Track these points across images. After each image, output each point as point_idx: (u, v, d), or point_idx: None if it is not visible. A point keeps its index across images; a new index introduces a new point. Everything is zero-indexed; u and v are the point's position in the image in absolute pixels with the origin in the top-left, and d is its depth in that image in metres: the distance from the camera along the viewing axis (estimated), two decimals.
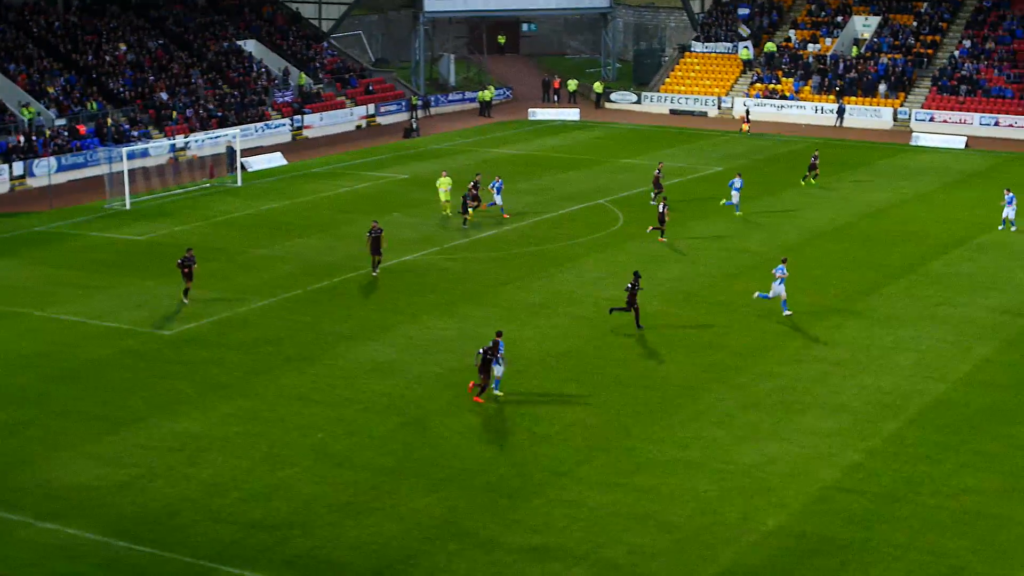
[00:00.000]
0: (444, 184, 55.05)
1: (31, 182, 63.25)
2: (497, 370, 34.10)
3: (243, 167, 65.39)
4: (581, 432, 32.19)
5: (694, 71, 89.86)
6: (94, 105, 69.58)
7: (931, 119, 78.78)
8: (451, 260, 48.59)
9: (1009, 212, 52.13)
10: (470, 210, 53.52)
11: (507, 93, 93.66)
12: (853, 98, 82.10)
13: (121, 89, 72.21)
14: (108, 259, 49.23)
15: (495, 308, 42.29)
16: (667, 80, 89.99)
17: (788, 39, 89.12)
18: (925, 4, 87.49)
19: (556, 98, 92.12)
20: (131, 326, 40.63)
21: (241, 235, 52.72)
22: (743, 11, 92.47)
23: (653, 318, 40.37)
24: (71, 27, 75.56)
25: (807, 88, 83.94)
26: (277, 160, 69.24)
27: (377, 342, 39.09)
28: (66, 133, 66.49)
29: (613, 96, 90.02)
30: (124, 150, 60.01)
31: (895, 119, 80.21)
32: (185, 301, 42.39)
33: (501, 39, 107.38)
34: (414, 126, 79.15)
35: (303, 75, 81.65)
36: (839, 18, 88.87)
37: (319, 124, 78.92)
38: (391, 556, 26.03)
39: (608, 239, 51.62)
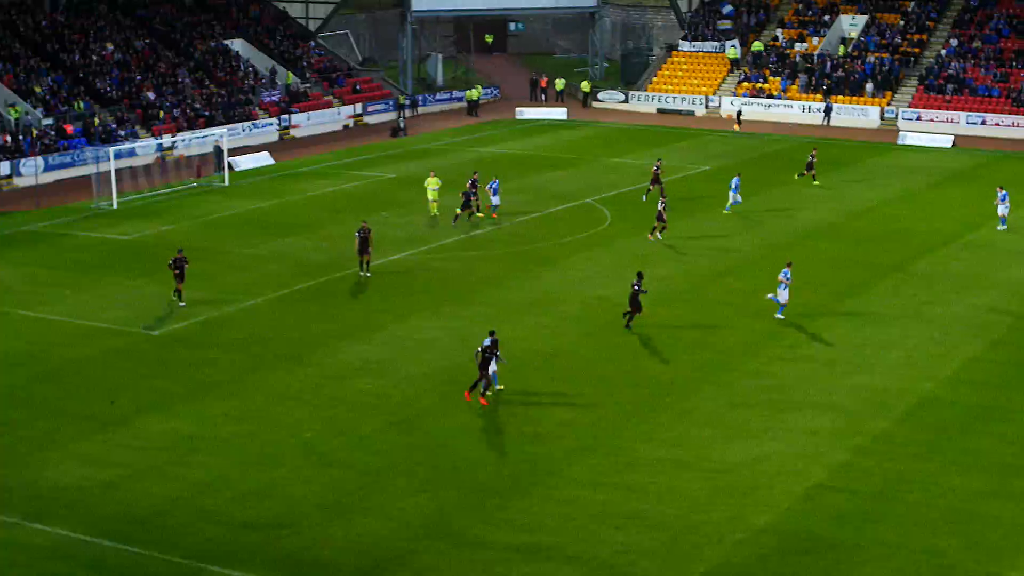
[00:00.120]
0: (432, 184, 54.95)
1: (18, 182, 63.05)
2: (496, 366, 34.04)
3: (230, 167, 65.26)
4: (570, 431, 32.18)
5: (681, 70, 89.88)
6: (81, 104, 69.38)
7: (918, 118, 78.90)
8: (439, 260, 48.53)
9: (1003, 209, 52.23)
10: (469, 210, 53.40)
11: (495, 92, 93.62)
12: (840, 97, 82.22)
13: (108, 88, 72.01)
14: (95, 259, 49.10)
15: (484, 307, 42.24)
16: (654, 79, 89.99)
17: (775, 38, 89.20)
18: (912, 3, 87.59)
19: (544, 97, 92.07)
20: (119, 326, 40.52)
21: (229, 235, 52.60)
22: (727, 8, 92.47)
23: (642, 317, 40.34)
24: (58, 26, 75.34)
25: (794, 87, 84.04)
26: (264, 160, 69.12)
27: (366, 342, 39.03)
28: (53, 132, 66.29)
29: (600, 95, 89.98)
30: (111, 150, 59.81)
31: (882, 118, 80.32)
32: (182, 303, 42.12)
33: (489, 38, 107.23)
34: (401, 125, 79.06)
35: (290, 74, 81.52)
36: (826, 17, 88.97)
37: (306, 123, 78.75)
38: (380, 556, 25.99)
39: (596, 238, 51.63)
